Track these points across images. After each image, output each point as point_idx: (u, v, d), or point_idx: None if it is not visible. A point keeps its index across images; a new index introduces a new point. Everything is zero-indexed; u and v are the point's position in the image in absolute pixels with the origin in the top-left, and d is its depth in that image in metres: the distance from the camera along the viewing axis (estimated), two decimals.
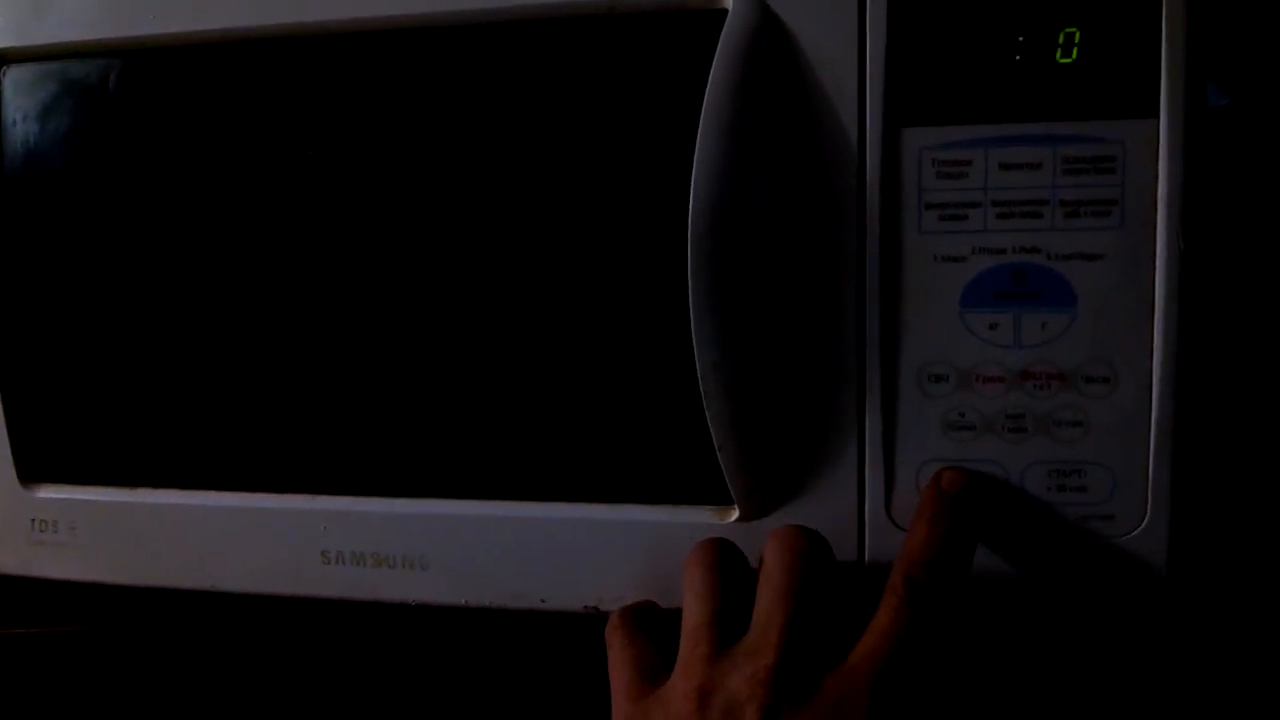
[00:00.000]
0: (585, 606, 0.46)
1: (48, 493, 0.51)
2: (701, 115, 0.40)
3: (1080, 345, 0.40)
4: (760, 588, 0.40)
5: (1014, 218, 0.40)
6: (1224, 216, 0.72)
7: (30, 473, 0.51)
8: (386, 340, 0.46)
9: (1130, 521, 0.41)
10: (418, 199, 0.45)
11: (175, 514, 0.49)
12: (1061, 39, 0.39)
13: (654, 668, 0.41)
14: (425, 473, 0.47)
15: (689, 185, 0.40)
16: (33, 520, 0.51)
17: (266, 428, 0.48)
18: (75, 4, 0.47)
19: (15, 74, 0.49)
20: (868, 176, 0.41)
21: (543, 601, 0.46)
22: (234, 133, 0.47)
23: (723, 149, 0.40)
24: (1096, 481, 0.41)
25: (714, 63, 0.40)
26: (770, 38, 0.41)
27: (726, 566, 0.41)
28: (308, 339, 0.47)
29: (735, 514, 0.44)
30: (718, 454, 0.42)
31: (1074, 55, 0.39)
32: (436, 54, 0.44)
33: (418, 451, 0.47)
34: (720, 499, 0.44)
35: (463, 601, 0.47)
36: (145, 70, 0.47)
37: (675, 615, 0.42)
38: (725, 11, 0.41)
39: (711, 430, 0.41)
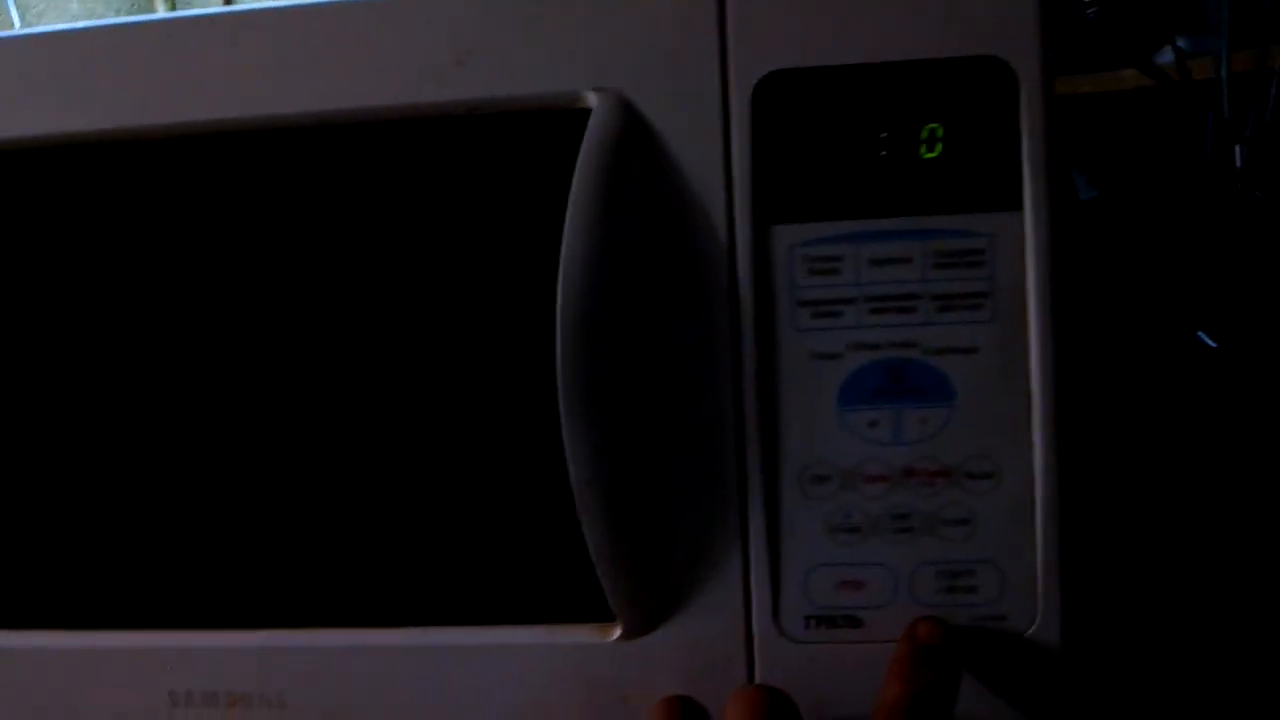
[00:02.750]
0: None
1: None
2: (567, 218, 0.38)
3: (962, 440, 0.39)
4: None
5: (888, 313, 0.39)
6: (1099, 302, 0.73)
7: None
8: (232, 457, 0.43)
9: (1023, 621, 0.40)
10: (270, 304, 0.43)
11: (2, 658, 0.44)
12: (925, 134, 0.39)
13: None
14: (278, 601, 0.43)
15: (555, 292, 0.38)
16: None
17: (101, 557, 0.44)
18: None
19: None
20: (739, 275, 0.40)
21: None
22: (95, 234, 0.44)
23: (589, 251, 0.38)
24: (987, 581, 0.40)
25: (578, 163, 0.39)
26: (634, 137, 0.40)
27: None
28: (148, 457, 0.43)
29: (618, 631, 0.41)
30: (597, 570, 0.39)
31: (938, 150, 0.39)
32: (298, 153, 0.43)
33: (269, 578, 0.43)
34: (602, 616, 0.41)
35: None
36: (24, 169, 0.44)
37: None
38: (588, 111, 0.40)
39: (589, 545, 0.39)
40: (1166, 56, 0.88)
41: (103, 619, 0.44)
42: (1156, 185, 0.86)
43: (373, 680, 0.42)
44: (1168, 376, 0.71)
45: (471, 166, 0.41)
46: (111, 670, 0.44)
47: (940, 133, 0.39)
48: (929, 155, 0.39)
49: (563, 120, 0.40)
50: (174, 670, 0.43)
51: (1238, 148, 0.82)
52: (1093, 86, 0.91)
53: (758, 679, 0.41)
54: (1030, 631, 0.40)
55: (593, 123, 0.40)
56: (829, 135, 0.40)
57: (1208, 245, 0.78)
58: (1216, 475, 0.63)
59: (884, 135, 0.39)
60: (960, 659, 0.39)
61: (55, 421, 0.44)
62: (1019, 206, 0.39)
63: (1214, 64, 0.84)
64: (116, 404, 0.43)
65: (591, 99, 0.40)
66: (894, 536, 0.40)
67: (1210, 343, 0.73)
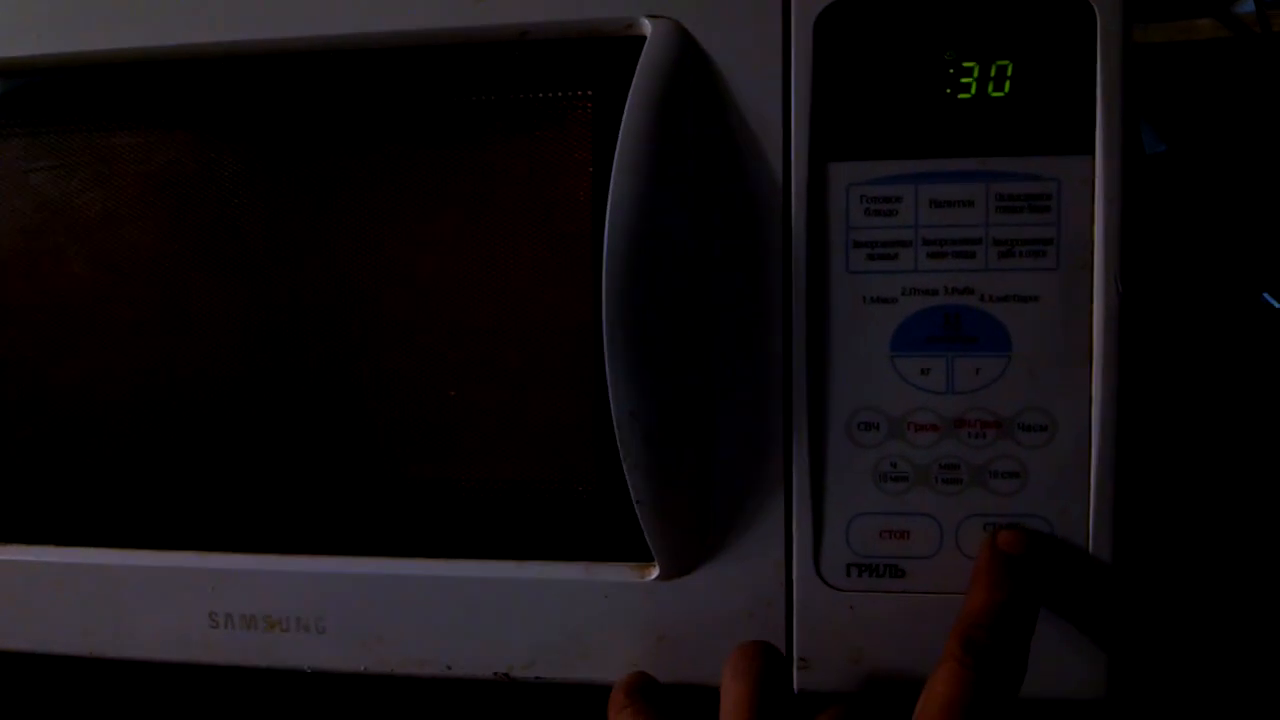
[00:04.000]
0: (495, 673, 0.43)
1: None
2: (617, 146, 0.37)
3: (1016, 392, 0.38)
4: None
5: (946, 257, 0.38)
6: (1162, 260, 0.71)
7: None
8: (277, 382, 0.43)
9: None
10: (316, 229, 0.42)
11: (49, 573, 0.45)
12: (993, 71, 0.38)
13: None
14: (320, 528, 0.43)
15: (604, 221, 0.37)
16: None
17: (149, 479, 0.44)
18: None
19: None
20: (793, 213, 0.38)
21: (449, 668, 0.43)
22: (119, 157, 0.43)
23: (639, 182, 0.37)
24: None
25: (630, 91, 0.38)
26: (690, 66, 0.38)
27: (769, 656, 0.38)
28: (191, 381, 0.43)
29: (655, 571, 0.41)
30: (635, 508, 0.39)
31: (1006, 88, 0.38)
32: (345, 77, 0.42)
33: (312, 504, 0.43)
34: (639, 555, 0.41)
35: (362, 668, 0.43)
36: (26, 92, 0.44)
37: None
38: (643, 39, 0.39)
39: (629, 482, 0.39)
40: (1246, 6, 0.84)
41: (147, 538, 0.44)
42: (1230, 142, 0.83)
43: (411, 610, 0.42)
44: (1231, 337, 0.69)
45: (522, 94, 0.40)
46: (154, 589, 0.44)
47: (1010, 70, 0.38)
48: (997, 94, 0.38)
49: (616, 47, 0.39)
50: (215, 592, 0.44)
51: None
52: (1165, 35, 0.87)
53: (796, 625, 0.40)
54: None
55: (647, 50, 0.38)
56: (892, 70, 0.38)
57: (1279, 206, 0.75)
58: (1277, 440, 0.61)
59: (950, 71, 0.38)
60: (1044, 568, 0.38)
61: (110, 338, 0.44)
62: (1090, 151, 0.37)
63: None
64: (177, 325, 0.43)
65: (646, 26, 0.39)
66: (942, 487, 0.39)
67: (1277, 305, 0.71)
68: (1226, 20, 0.86)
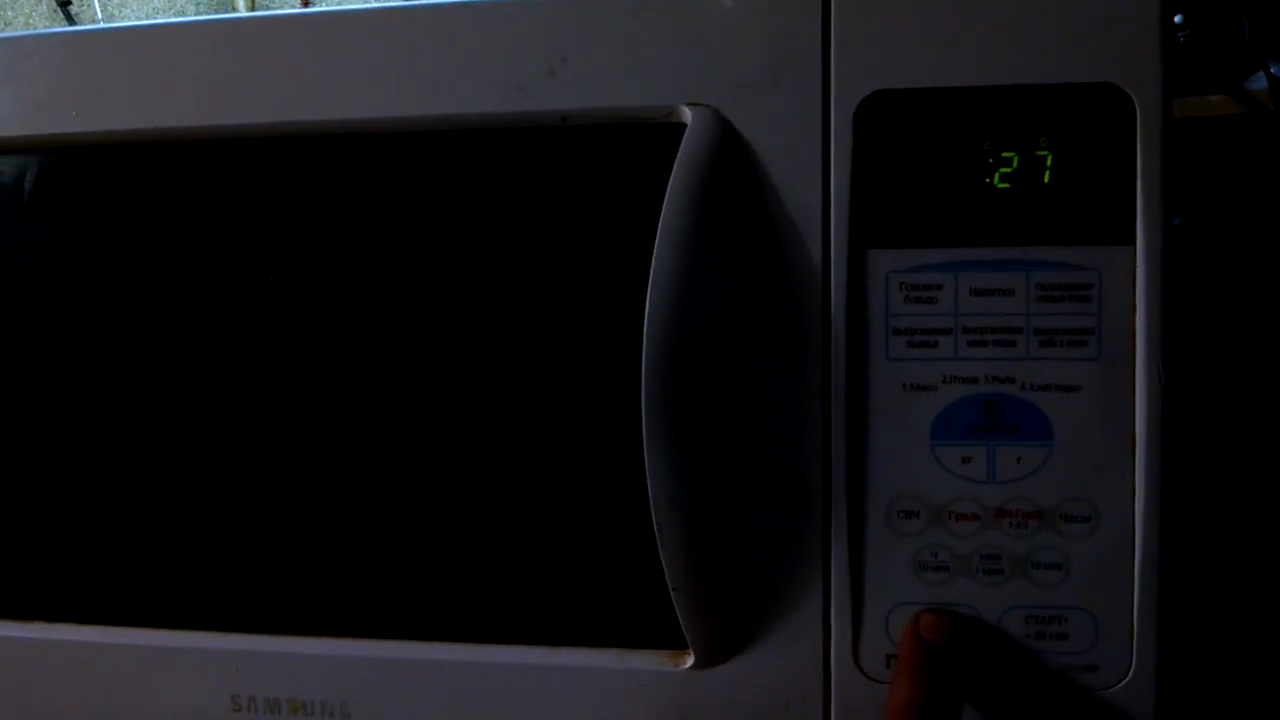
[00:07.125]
0: None
1: None
2: (658, 233, 0.37)
3: (1058, 481, 0.38)
4: None
5: (986, 345, 0.38)
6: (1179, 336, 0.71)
7: None
8: (309, 461, 0.42)
9: (1115, 673, 0.38)
10: (353, 312, 0.42)
11: (69, 652, 0.44)
12: (1033, 161, 0.38)
13: None
14: (349, 609, 0.43)
15: (644, 307, 0.37)
16: None
17: (172, 556, 0.44)
18: None
19: None
20: (833, 300, 0.38)
21: None
22: (156, 237, 0.43)
23: (680, 269, 0.37)
24: (1078, 629, 0.38)
25: (671, 178, 0.38)
26: (730, 154, 0.39)
27: None
28: (219, 458, 0.43)
29: (691, 660, 0.40)
30: (672, 595, 0.38)
31: (1046, 179, 0.38)
32: (384, 160, 0.42)
33: (341, 585, 0.43)
34: (675, 643, 0.40)
35: None
36: (63, 169, 0.44)
37: None
38: (684, 126, 0.39)
39: (665, 569, 0.38)
40: (1259, 83, 0.85)
41: (169, 617, 0.44)
42: (1244, 216, 0.83)
43: (437, 695, 0.42)
44: (1249, 415, 0.69)
45: (562, 179, 0.41)
46: (175, 670, 0.44)
47: (1050, 161, 0.38)
48: (1036, 183, 0.38)
49: (657, 135, 0.39)
50: (238, 673, 0.43)
51: None
52: (1179, 111, 0.88)
53: (834, 718, 0.39)
54: (1122, 684, 0.38)
55: (687, 139, 0.39)
56: (932, 159, 0.38)
57: None
58: None
59: (990, 161, 0.38)
60: (969, 653, 0.38)
61: (133, 416, 0.44)
62: (1130, 241, 0.37)
63: None
64: (198, 405, 0.43)
65: (687, 114, 0.39)
66: (983, 578, 0.38)
67: None
68: (1239, 96, 0.87)
